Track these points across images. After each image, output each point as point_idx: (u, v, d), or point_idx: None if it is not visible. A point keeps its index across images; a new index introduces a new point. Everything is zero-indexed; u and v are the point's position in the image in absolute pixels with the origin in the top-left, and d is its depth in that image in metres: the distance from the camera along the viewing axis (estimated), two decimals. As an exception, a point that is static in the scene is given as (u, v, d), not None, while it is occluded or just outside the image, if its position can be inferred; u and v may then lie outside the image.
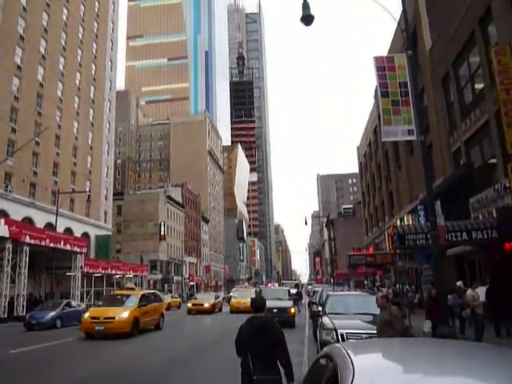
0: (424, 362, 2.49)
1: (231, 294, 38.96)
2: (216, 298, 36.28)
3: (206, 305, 32.31)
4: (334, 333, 9.16)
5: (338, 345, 3.22)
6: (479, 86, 18.43)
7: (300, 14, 11.53)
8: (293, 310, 20.38)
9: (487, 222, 15.70)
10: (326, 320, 10.07)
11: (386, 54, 31.69)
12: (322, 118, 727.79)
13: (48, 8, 45.97)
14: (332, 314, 10.41)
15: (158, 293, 24.99)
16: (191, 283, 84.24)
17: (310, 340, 14.65)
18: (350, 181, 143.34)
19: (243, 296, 30.41)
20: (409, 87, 12.50)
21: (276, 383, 4.79)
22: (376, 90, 37.71)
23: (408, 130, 12.48)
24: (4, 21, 38.86)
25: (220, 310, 35.43)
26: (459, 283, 15.47)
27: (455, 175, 19.96)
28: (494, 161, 17.13)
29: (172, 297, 45.79)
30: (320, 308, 12.94)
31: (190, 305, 33.15)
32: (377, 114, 39.00)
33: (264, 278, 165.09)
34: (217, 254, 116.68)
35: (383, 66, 12.96)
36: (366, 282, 51.45)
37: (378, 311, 11.00)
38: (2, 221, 27.87)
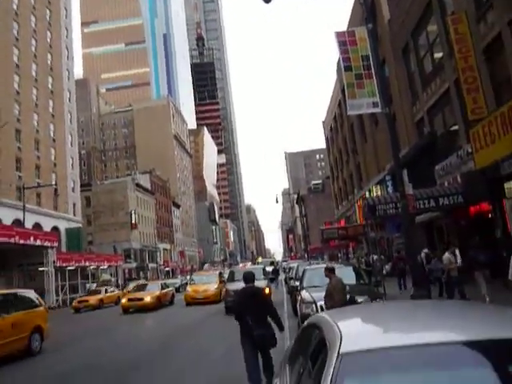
0: (401, 321, 2.75)
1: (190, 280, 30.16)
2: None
3: (147, 299, 23.08)
4: (314, 305, 9.45)
5: (322, 314, 3.43)
6: (438, 55, 18.86)
7: (260, -8, 11.52)
8: (267, 291, 19.16)
9: (453, 188, 16.29)
10: (304, 294, 10.36)
11: (346, 27, 31.88)
12: (286, 95, 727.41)
13: (-5, -4, 44.05)
14: (310, 287, 10.70)
15: (24, 293, 13.16)
16: (166, 269, 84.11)
17: (289, 315, 14.97)
18: (317, 156, 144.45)
19: (204, 281, 24.27)
20: (371, 60, 12.73)
21: (272, 335, 6.28)
22: (338, 64, 37.96)
23: (373, 102, 12.74)
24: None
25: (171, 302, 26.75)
26: (425, 251, 15.91)
27: (419, 144, 20.51)
28: (456, 128, 17.67)
29: (106, 290, 33.08)
30: (297, 283, 13.25)
31: (124, 300, 24.18)
32: (340, 87, 39.35)
33: (239, 258, 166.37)
34: (190, 238, 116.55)
35: (345, 41, 13.13)
36: (339, 254, 52.53)
37: (354, 281, 11.45)
38: (-33, 221, 27.14)
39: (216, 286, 23.32)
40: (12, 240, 30.68)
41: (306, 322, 3.61)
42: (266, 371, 6.28)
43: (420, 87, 20.79)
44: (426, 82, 20.11)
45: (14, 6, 47.45)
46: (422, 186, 17.54)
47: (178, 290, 36.63)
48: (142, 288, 26.01)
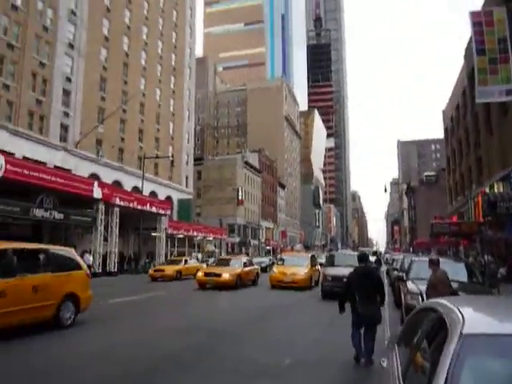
0: None
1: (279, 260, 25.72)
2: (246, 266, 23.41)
3: (226, 276, 20.45)
4: (420, 297, 9.09)
5: (439, 299, 3.38)
6: None
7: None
8: None
9: None
10: (410, 285, 10.00)
11: (482, 6, 29.32)
12: (404, 81, 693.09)
13: (131, -21, 47.26)
14: (416, 279, 10.27)
15: (60, 251, 10.70)
16: (268, 247, 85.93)
17: (391, 307, 14.52)
18: (432, 147, 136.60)
19: (294, 263, 21.50)
20: (509, 43, 11.59)
21: (376, 311, 7.07)
22: (467, 49, 35.25)
23: (506, 90, 11.67)
24: (92, -7, 40.57)
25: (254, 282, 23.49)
26: None
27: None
28: None
29: (186, 261, 30.48)
30: (403, 274, 12.76)
31: (200, 274, 21.57)
32: (466, 74, 36.53)
33: (339, 245, 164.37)
34: (293, 220, 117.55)
35: (480, 21, 12.04)
36: (448, 252, 49.58)
37: (465, 279, 10.75)
38: (96, 184, 29.95)
39: (306, 271, 20.52)
40: (131, 205, 33.39)
41: (419, 307, 3.77)
42: (366, 343, 7.06)
43: None
44: None
45: (147, -13, 50.61)
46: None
47: (265, 269, 33.50)
48: (224, 263, 23.34)
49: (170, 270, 27.59)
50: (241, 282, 20.97)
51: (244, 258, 25.04)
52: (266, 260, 42.04)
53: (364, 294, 7.08)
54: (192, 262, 31.28)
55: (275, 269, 21.72)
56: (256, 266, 25.17)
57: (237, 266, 21.93)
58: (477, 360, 2.06)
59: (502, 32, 11.48)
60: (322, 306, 15.20)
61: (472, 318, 2.41)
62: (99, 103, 41.53)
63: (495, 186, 28.38)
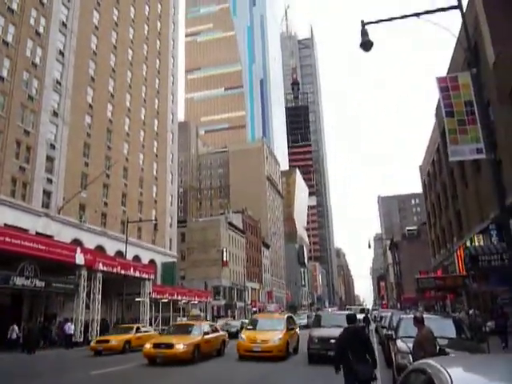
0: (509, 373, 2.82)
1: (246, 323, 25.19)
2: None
3: (180, 347, 16.47)
4: (410, 356, 9.06)
5: (427, 360, 3.47)
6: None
7: (353, 39, 11.79)
8: None
9: None
10: (400, 344, 9.99)
11: (447, 70, 31.16)
12: (381, 137, 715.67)
13: (115, 49, 49.28)
14: (405, 337, 10.28)
15: None
16: (254, 309, 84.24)
17: (382, 367, 14.31)
18: (412, 201, 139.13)
19: (266, 327, 18.25)
20: (475, 105, 12.32)
21: (371, 369, 7.20)
22: (438, 108, 36.91)
23: (476, 148, 12.24)
24: (77, 64, 41.99)
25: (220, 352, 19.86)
26: None
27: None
28: None
29: (138, 328, 25.57)
30: (392, 332, 12.73)
31: (148, 346, 17.17)
32: (439, 132, 38.11)
33: (327, 303, 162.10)
34: (278, 280, 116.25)
35: (446, 86, 12.86)
36: (435, 306, 49.35)
37: (454, 335, 10.80)
38: (79, 249, 29.60)
39: (281, 336, 17.09)
40: (114, 270, 32.89)
41: (409, 368, 3.77)
42: None
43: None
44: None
45: (129, 57, 52.63)
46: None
47: (235, 335, 29.24)
48: (182, 330, 19.11)
49: (116, 340, 22.87)
50: (200, 354, 16.98)
51: (206, 324, 21.00)
52: (237, 324, 38.07)
53: (356, 353, 7.34)
54: (147, 330, 27.12)
55: (243, 334, 18.00)
56: (222, 333, 21.44)
57: (196, 333, 17.86)
58: None
59: (468, 96, 12.20)
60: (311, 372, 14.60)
61: (460, 378, 2.50)
62: (83, 169, 41.89)
63: (475, 239, 28.89)
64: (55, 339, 30.38)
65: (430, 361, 3.26)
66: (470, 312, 20.76)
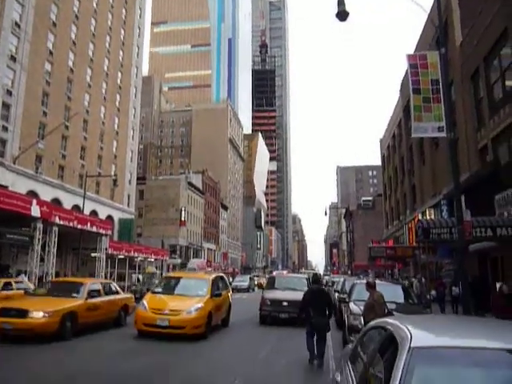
0: (459, 328, 3.35)
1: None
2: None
3: (38, 314, 10.81)
4: (362, 318, 9.69)
5: (387, 319, 3.86)
6: (510, 83, 18.48)
7: (328, 7, 11.84)
8: None
9: (512, 219, 15.93)
10: (353, 306, 10.62)
11: (415, 46, 31.64)
12: (344, 109, 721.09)
13: (79, -6, 46.80)
14: (358, 300, 10.92)
15: None
16: (209, 269, 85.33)
17: (333, 327, 15.10)
18: (370, 173, 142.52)
19: (182, 291, 13.29)
20: (440, 85, 12.76)
21: (326, 322, 8.98)
22: (403, 83, 37.53)
23: (438, 126, 12.76)
24: (38, 7, 39.72)
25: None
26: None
27: (481, 172, 20.09)
28: (521, 159, 17.25)
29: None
30: (345, 296, 13.43)
31: None
32: (402, 106, 38.97)
33: (280, 266, 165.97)
34: (234, 242, 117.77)
35: (416, 64, 13.21)
36: (384, 274, 51.70)
37: (402, 300, 11.57)
38: (34, 201, 28.86)
39: (201, 305, 12.12)
40: (71, 224, 32.36)
41: (368, 325, 4.19)
42: (318, 347, 8.93)
43: (487, 114, 20.39)
44: (494, 109, 19.71)
45: (94, 4, 50.16)
46: (479, 214, 17.22)
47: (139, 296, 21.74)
48: (62, 288, 13.48)
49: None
50: (76, 326, 11.77)
51: (96, 282, 14.76)
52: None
53: (317, 308, 8.98)
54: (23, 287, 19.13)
55: (145, 301, 12.50)
56: (125, 295, 16.03)
57: (78, 295, 12.44)
58: (424, 369, 2.44)
59: (435, 74, 12.57)
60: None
61: (418, 333, 2.79)
62: (41, 118, 40.33)
63: (427, 213, 30.26)
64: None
65: (390, 319, 3.65)
66: (421, 282, 22.10)
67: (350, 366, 3.89)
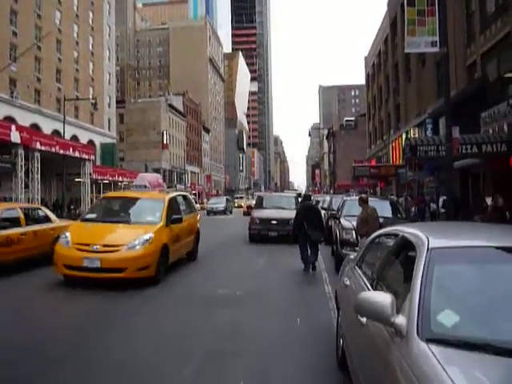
0: (467, 230, 3.63)
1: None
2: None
3: None
4: (353, 231, 10.06)
5: (395, 226, 4.02)
6: (503, -5, 17.96)
7: None
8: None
9: (497, 136, 16.17)
10: (344, 222, 10.96)
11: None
12: (328, 26, 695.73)
13: None
14: (348, 216, 11.25)
15: None
16: (193, 192, 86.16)
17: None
18: (352, 92, 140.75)
19: (122, 219, 9.73)
20: (436, -4, 12.36)
21: (320, 233, 10.37)
22: (391, -2, 35.67)
23: (432, 41, 12.53)
24: None
25: None
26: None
27: (469, 89, 20.03)
28: (510, 75, 17.18)
29: None
30: (335, 212, 13.76)
31: None
32: (389, 22, 37.78)
33: (262, 188, 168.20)
34: (217, 164, 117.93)
35: (411, -27, 12.69)
36: (367, 193, 52.87)
37: (390, 214, 11.98)
38: (13, 127, 28.09)
39: (150, 236, 8.45)
40: (53, 149, 31.81)
41: (378, 233, 4.35)
42: (312, 256, 10.20)
43: (478, 29, 19.95)
44: (485, 24, 19.27)
45: None
46: (464, 131, 17.40)
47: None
48: None
49: None
50: None
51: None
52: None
53: (312, 223, 10.10)
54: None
55: (69, 232, 8.67)
56: (57, 223, 11.30)
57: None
58: (443, 266, 2.59)
59: (431, -16, 12.16)
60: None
61: (433, 236, 2.91)
62: (11, 39, 38.09)
63: (411, 132, 30.46)
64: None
65: (398, 227, 3.83)
66: (401, 198, 22.87)
67: (358, 270, 4.10)
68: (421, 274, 2.50)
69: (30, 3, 40.66)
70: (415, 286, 2.46)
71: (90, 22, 52.36)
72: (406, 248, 3.09)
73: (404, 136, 31.35)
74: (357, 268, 4.21)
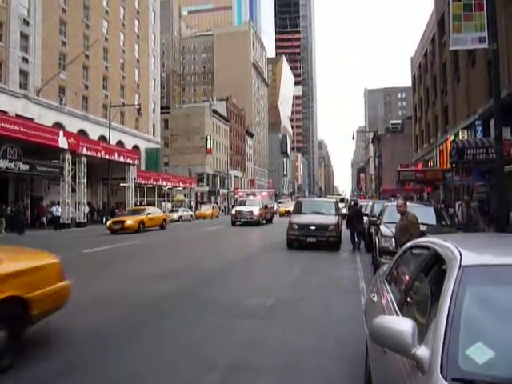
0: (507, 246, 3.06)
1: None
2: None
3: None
4: (393, 240, 9.51)
5: (428, 238, 3.61)
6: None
7: None
8: (339, 228, 16.17)
9: (553, 137, 15.10)
10: (384, 229, 10.43)
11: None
12: (373, 28, 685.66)
13: None
14: (388, 223, 10.69)
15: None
16: (236, 196, 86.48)
17: (362, 251, 15.18)
18: (399, 95, 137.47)
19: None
20: (484, -11, 11.60)
21: (361, 227, 15.75)
22: (439, -6, 34.35)
23: (479, 37, 11.76)
24: None
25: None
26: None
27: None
28: None
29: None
30: (376, 218, 13.24)
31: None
32: (436, 21, 36.45)
33: (306, 193, 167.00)
34: (261, 169, 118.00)
35: (457, -34, 11.98)
36: (413, 198, 51.25)
37: (434, 221, 11.31)
38: (61, 133, 29.03)
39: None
40: (98, 155, 32.70)
41: (407, 245, 3.91)
42: (358, 243, 15.28)
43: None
44: (539, 18, 18.10)
45: None
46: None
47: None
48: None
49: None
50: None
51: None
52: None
53: (356, 219, 15.23)
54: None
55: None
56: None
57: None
58: (477, 288, 2.18)
59: (479, -23, 11.43)
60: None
61: (468, 251, 2.50)
62: (60, 48, 39.51)
63: (460, 135, 29.09)
64: (43, 221, 31.02)
65: (431, 238, 3.36)
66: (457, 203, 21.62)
67: (386, 285, 3.72)
68: (449, 297, 2.10)
69: (79, 14, 42.08)
70: (442, 311, 2.06)
71: (136, 30, 53.67)
72: (436, 263, 2.69)
73: (452, 138, 30.03)
74: (386, 282, 3.82)
